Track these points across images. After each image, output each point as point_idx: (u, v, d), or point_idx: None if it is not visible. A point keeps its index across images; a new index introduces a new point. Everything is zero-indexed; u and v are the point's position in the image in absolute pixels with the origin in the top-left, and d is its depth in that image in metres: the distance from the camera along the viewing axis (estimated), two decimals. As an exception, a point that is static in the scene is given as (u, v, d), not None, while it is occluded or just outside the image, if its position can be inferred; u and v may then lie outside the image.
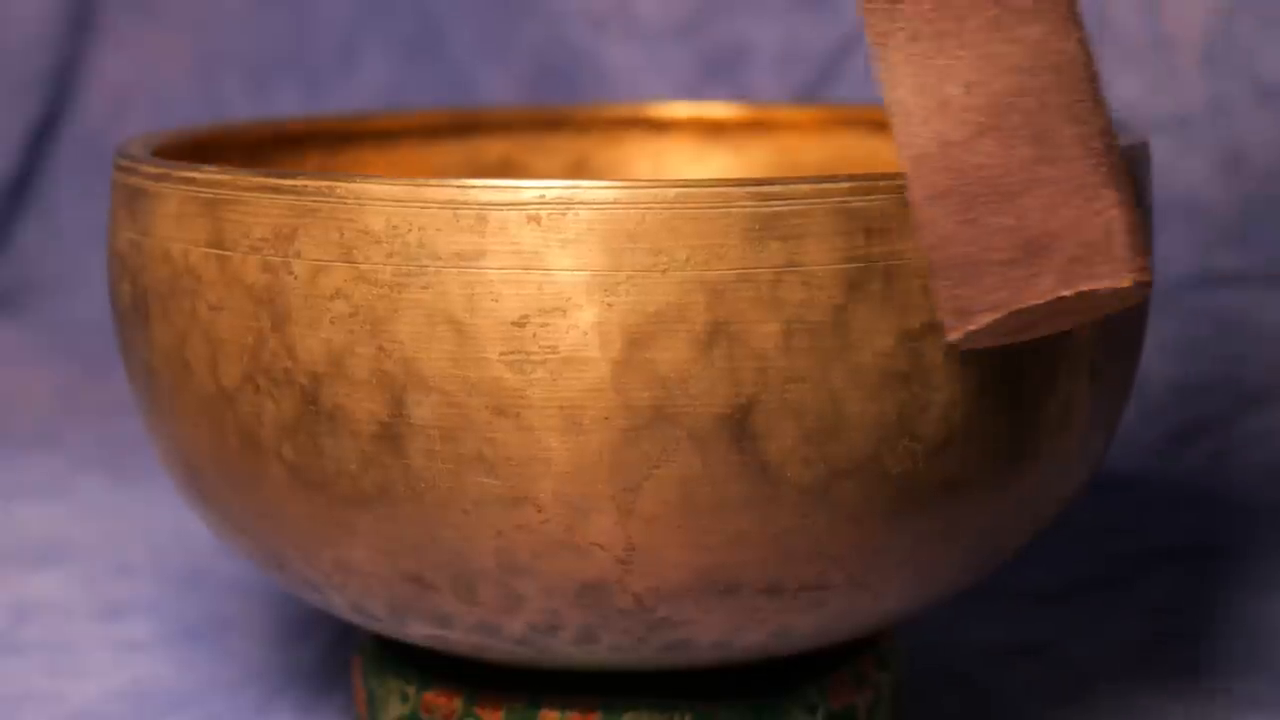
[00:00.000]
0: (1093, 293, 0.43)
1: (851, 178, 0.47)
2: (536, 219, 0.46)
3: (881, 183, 0.47)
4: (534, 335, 0.46)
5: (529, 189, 0.46)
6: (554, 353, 0.46)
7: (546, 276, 0.46)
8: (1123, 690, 0.62)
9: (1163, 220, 0.92)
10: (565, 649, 0.51)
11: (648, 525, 0.47)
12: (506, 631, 0.51)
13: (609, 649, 0.51)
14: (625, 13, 1.11)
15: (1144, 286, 0.43)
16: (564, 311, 0.46)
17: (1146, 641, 0.66)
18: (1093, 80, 0.43)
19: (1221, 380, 0.91)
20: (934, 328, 0.47)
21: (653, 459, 0.47)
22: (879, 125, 0.69)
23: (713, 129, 0.72)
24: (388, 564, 0.50)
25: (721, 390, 0.46)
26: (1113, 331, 0.52)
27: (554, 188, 0.46)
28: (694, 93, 1.05)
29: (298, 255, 0.48)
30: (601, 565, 0.48)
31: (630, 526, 0.47)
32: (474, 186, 0.46)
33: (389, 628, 0.53)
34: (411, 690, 0.55)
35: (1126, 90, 1.04)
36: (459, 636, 0.51)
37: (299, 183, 0.48)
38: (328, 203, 0.47)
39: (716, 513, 0.47)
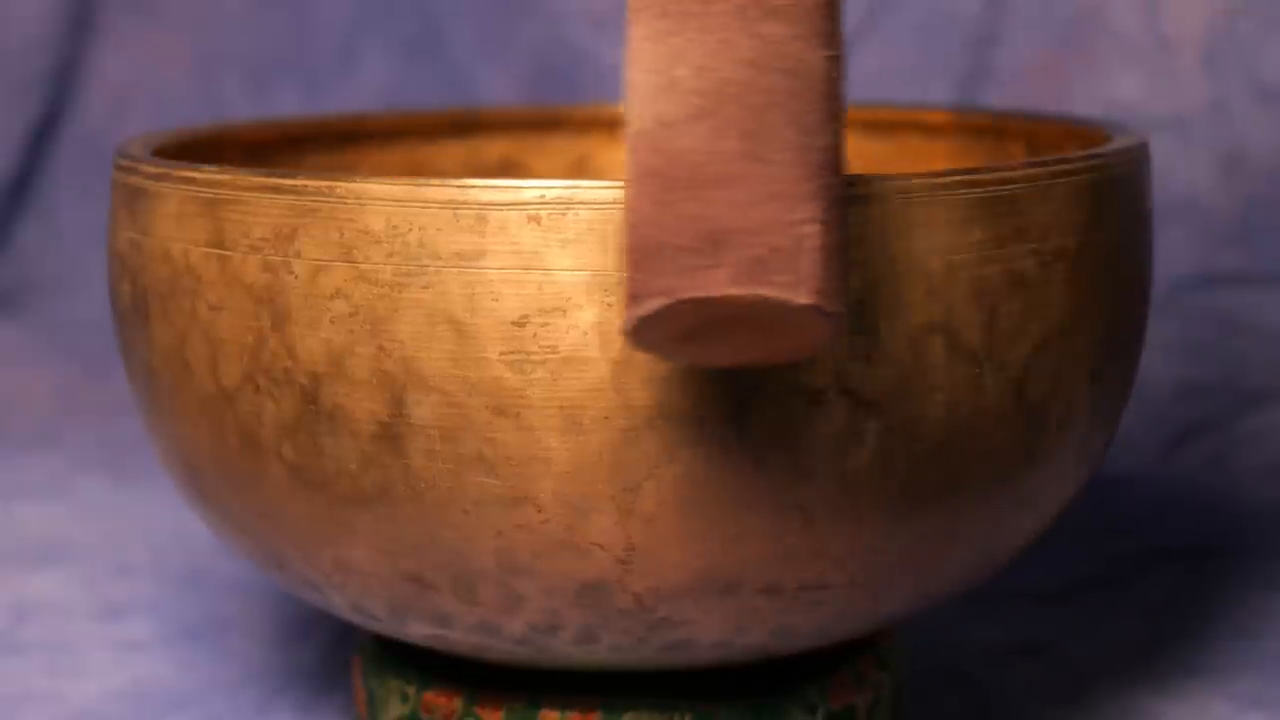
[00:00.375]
0: (768, 304, 0.40)
1: (852, 178, 0.47)
2: (537, 219, 0.46)
3: (883, 183, 0.47)
4: (534, 335, 0.46)
5: (529, 189, 0.46)
6: (554, 352, 0.46)
7: (547, 276, 0.46)
8: (1123, 690, 0.62)
9: (1163, 220, 0.92)
10: (565, 649, 0.51)
11: (648, 525, 0.47)
12: (506, 631, 0.50)
13: (609, 649, 0.51)
14: (625, 13, 1.10)
15: (825, 316, 0.41)
16: (564, 311, 0.46)
17: (1146, 641, 0.66)
18: (832, 99, 0.41)
19: (1221, 380, 0.91)
20: (934, 328, 0.47)
21: (653, 459, 0.47)
22: (876, 126, 0.69)
23: (713, 129, 0.72)
24: (388, 564, 0.50)
25: (722, 390, 0.46)
26: (1113, 332, 0.52)
27: (554, 188, 0.46)
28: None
29: (298, 255, 0.48)
30: (601, 565, 0.48)
31: (630, 526, 0.47)
32: (474, 186, 0.46)
33: (389, 628, 0.53)
34: (411, 690, 0.55)
35: (1126, 90, 1.04)
36: (459, 636, 0.51)
37: (299, 182, 0.48)
38: (328, 202, 0.47)
39: (716, 513, 0.47)
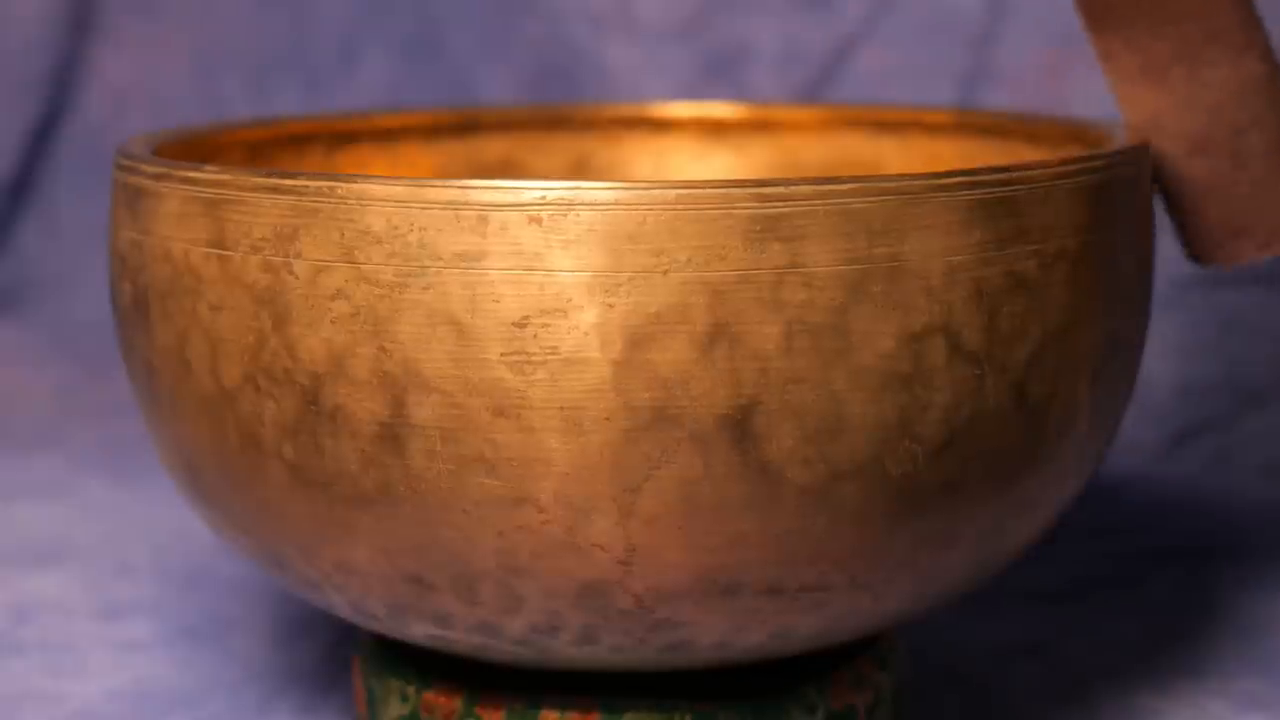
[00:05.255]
0: None
1: (853, 179, 0.47)
2: (538, 220, 0.46)
3: (883, 184, 0.47)
4: (535, 336, 0.46)
5: (530, 190, 0.46)
6: (555, 353, 0.46)
7: (548, 277, 0.46)
8: (1123, 690, 0.62)
9: (1163, 220, 0.92)
10: (566, 649, 0.51)
11: (648, 526, 0.47)
12: (507, 632, 0.51)
13: (609, 650, 0.51)
14: (625, 13, 1.10)
15: None
16: (565, 312, 0.46)
17: (1146, 641, 0.66)
18: None
19: (1222, 380, 0.91)
20: (935, 329, 0.48)
21: (653, 460, 0.47)
22: (881, 125, 0.69)
23: (714, 129, 0.72)
24: (388, 564, 0.50)
25: (722, 391, 0.46)
26: (1114, 334, 0.52)
27: (555, 189, 0.46)
28: (694, 93, 1.05)
29: (299, 255, 0.48)
30: (602, 566, 0.48)
31: (631, 527, 0.47)
32: (475, 187, 0.46)
33: (389, 628, 0.53)
34: (412, 690, 0.55)
35: (1127, 90, 1.03)
36: (459, 637, 0.51)
37: (300, 183, 0.48)
38: (329, 203, 0.47)
39: (717, 514, 0.47)
